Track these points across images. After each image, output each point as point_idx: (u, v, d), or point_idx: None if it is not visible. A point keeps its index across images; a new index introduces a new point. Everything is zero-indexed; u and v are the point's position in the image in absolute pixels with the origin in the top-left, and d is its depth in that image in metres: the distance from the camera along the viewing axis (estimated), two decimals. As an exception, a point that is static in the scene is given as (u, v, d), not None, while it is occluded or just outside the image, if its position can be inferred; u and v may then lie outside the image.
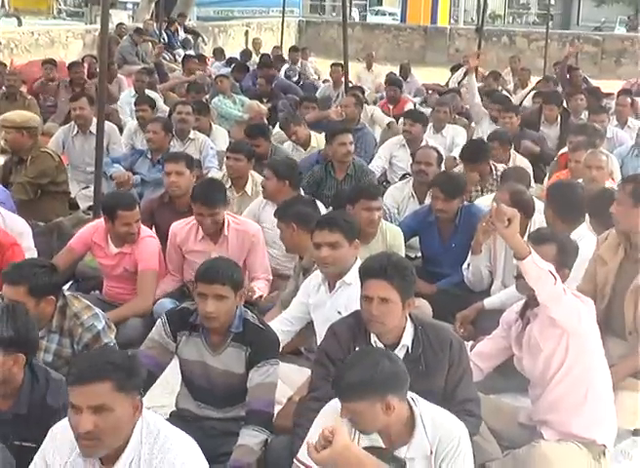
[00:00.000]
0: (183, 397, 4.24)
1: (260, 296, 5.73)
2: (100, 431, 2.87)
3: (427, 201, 6.71)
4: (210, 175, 7.53)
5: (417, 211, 6.63)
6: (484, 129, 9.68)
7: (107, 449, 2.95)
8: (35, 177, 7.18)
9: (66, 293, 4.42)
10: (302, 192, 7.38)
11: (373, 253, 5.78)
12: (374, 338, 3.83)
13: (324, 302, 4.68)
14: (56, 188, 7.36)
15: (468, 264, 5.87)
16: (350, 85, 12.38)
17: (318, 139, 8.98)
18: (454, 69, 15.14)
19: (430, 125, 9.61)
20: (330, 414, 3.33)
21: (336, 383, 3.23)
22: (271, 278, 5.98)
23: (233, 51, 19.69)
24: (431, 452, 3.24)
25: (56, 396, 3.52)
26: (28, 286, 4.12)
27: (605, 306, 4.96)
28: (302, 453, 3.32)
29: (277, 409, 4.18)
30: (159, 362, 4.11)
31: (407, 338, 3.82)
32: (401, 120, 9.53)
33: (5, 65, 13.00)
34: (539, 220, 5.69)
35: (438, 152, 7.20)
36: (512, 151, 8.13)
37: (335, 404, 3.33)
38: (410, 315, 3.86)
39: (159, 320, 4.19)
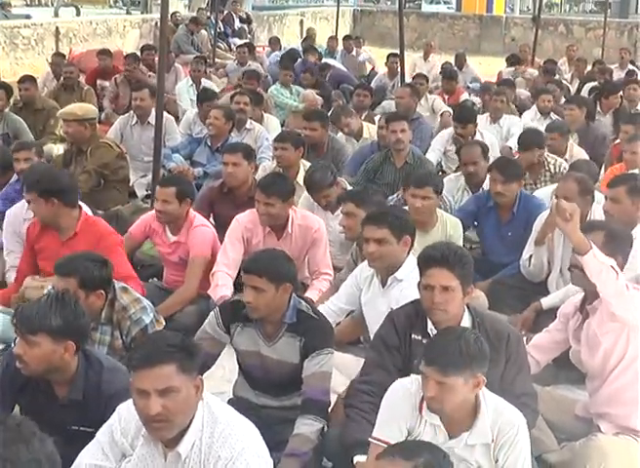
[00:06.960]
0: (241, 385, 4.29)
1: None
2: (169, 412, 2.94)
3: (480, 193, 6.83)
4: (262, 166, 7.52)
5: (477, 195, 6.68)
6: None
7: (177, 430, 3.01)
8: (99, 167, 7.29)
9: (116, 286, 4.44)
10: (359, 179, 7.40)
11: (432, 241, 5.85)
12: (430, 326, 3.84)
13: (376, 299, 4.70)
14: (116, 177, 7.46)
15: (530, 256, 5.82)
16: (414, 74, 12.38)
17: (370, 130, 8.93)
18: (509, 59, 14.98)
19: (486, 115, 9.61)
20: (402, 392, 3.40)
21: (434, 353, 3.23)
22: (332, 274, 5.84)
23: (288, 40, 19.73)
24: (492, 440, 3.26)
25: (110, 383, 3.57)
26: (79, 278, 4.16)
27: None
28: (378, 430, 3.41)
29: (333, 398, 4.20)
30: (210, 353, 4.11)
31: None
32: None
33: (64, 56, 13.18)
34: (598, 212, 5.62)
35: (482, 146, 7.12)
36: (570, 143, 8.05)
37: (405, 382, 3.40)
38: (467, 305, 3.88)
39: (212, 312, 4.23)
